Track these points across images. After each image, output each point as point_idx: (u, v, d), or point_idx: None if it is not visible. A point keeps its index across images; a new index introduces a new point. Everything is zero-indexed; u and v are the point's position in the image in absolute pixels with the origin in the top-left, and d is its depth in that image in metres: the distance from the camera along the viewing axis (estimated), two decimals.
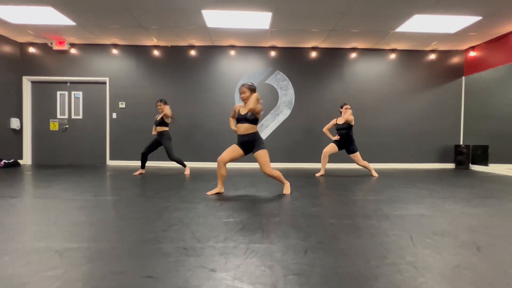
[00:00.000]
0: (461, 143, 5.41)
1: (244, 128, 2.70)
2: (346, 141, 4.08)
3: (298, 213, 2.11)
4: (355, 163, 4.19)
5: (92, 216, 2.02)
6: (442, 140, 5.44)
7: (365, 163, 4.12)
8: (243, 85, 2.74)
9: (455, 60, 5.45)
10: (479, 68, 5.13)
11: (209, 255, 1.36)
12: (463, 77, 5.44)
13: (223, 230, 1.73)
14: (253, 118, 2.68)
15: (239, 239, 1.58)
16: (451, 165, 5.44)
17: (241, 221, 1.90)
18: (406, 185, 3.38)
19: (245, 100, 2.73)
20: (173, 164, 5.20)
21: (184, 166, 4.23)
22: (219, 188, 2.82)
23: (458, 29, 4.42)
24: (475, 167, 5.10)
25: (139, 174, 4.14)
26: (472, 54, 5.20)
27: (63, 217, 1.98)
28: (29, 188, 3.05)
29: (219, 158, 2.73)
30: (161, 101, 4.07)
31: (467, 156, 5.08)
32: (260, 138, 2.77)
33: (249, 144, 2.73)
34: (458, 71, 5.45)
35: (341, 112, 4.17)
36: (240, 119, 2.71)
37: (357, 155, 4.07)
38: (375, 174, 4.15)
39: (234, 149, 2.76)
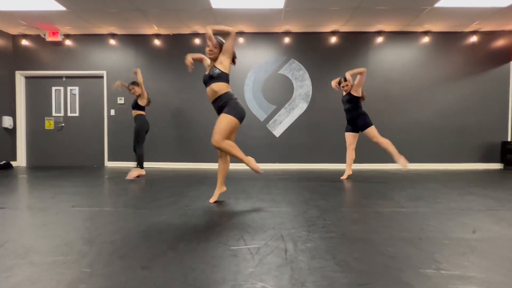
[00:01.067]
0: (510, 139, 4.63)
1: (210, 91, 2.08)
2: (355, 116, 3.33)
3: (336, 235, 1.51)
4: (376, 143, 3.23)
5: (54, 238, 1.48)
6: (485, 136, 4.68)
7: (385, 141, 3.16)
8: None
9: (501, 42, 4.67)
10: None
11: None
12: (511, 62, 4.65)
13: (232, 267, 1.15)
14: (218, 73, 2.04)
15: None
16: (497, 165, 4.66)
17: (256, 250, 1.32)
18: (458, 191, 2.70)
19: (212, 56, 2.09)
20: (178, 166, 4.70)
21: (141, 167, 3.61)
22: (219, 188, 2.26)
23: None
24: None
25: (138, 176, 3.65)
26: None
27: (16, 239, 1.46)
28: (2, 195, 2.58)
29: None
30: (133, 83, 3.55)
31: None
32: (231, 99, 2.06)
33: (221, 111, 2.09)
34: (504, 55, 4.67)
35: (340, 88, 3.39)
36: (205, 81, 2.11)
37: (371, 131, 3.21)
38: (403, 163, 3.11)
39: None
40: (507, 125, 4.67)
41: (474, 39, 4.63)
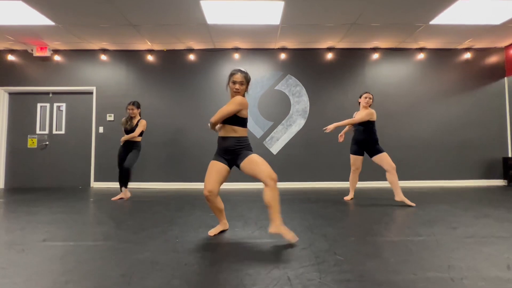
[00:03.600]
0: (510, 155, 4.55)
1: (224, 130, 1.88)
2: (365, 139, 3.00)
3: (352, 277, 1.27)
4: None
5: (9, 287, 1.21)
6: (486, 152, 4.59)
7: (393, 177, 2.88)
8: (241, 71, 1.88)
9: (494, 59, 4.71)
10: None
11: None
12: (505, 78, 4.68)
13: None
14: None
15: None
16: (500, 182, 4.54)
17: None
18: (471, 212, 2.52)
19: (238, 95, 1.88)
20: (169, 186, 4.42)
21: (125, 187, 3.38)
22: (222, 225, 2.01)
23: (506, 19, 3.72)
24: None
25: (119, 198, 3.37)
26: None
27: None
28: None
29: (207, 190, 1.83)
30: (133, 104, 3.40)
31: None
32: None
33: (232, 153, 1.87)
34: (499, 71, 4.69)
35: (359, 103, 3.15)
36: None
37: (384, 157, 2.92)
38: (406, 201, 2.88)
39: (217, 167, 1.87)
40: (506, 141, 4.61)
41: (468, 55, 4.67)
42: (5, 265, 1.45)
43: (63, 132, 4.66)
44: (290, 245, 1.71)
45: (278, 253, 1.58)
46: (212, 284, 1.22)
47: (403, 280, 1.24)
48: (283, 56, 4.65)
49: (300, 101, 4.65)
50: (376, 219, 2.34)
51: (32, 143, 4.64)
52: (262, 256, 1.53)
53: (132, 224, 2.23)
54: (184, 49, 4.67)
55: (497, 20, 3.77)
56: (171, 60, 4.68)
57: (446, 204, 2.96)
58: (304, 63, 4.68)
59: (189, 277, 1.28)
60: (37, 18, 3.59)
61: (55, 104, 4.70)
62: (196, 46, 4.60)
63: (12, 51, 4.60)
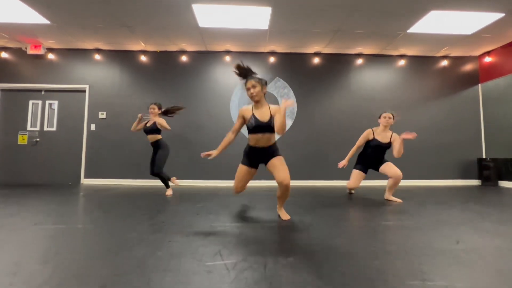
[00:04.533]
0: (484, 156, 4.83)
1: (265, 139, 2.06)
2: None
3: (320, 249, 1.43)
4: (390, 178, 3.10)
5: (2, 257, 1.30)
6: (462, 153, 4.86)
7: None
8: (252, 77, 2.02)
9: (469, 66, 5.04)
10: (496, 74, 4.70)
11: None
12: (479, 85, 5.00)
13: (204, 283, 1.04)
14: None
15: None
16: (475, 181, 4.80)
17: (233, 265, 1.21)
18: (441, 205, 2.72)
19: (257, 98, 2.03)
20: (156, 184, 4.49)
21: (168, 186, 3.51)
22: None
23: (476, 30, 4.03)
24: (504, 183, 4.47)
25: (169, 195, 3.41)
26: (488, 59, 4.80)
27: None
28: None
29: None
30: (155, 104, 3.48)
31: (494, 171, 4.47)
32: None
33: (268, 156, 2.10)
34: (473, 78, 5.02)
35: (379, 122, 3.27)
36: (262, 126, 2.03)
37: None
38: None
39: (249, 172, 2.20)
40: (481, 143, 4.90)
41: (445, 63, 4.98)
42: (9, 238, 1.54)
43: (54, 129, 4.71)
44: (270, 228, 1.85)
45: (256, 233, 1.72)
46: (192, 254, 1.35)
47: (363, 252, 1.40)
48: (272, 59, 4.86)
49: None
50: (352, 210, 2.50)
51: (22, 139, 4.67)
52: (242, 236, 1.67)
53: (120, 213, 2.33)
54: (177, 51, 4.83)
55: (469, 30, 4.08)
56: (164, 61, 4.83)
57: (420, 199, 3.16)
58: (292, 67, 4.90)
59: (173, 250, 1.41)
60: (32, 17, 3.70)
61: (47, 101, 4.76)
62: (189, 48, 4.77)
63: (5, 49, 4.66)
